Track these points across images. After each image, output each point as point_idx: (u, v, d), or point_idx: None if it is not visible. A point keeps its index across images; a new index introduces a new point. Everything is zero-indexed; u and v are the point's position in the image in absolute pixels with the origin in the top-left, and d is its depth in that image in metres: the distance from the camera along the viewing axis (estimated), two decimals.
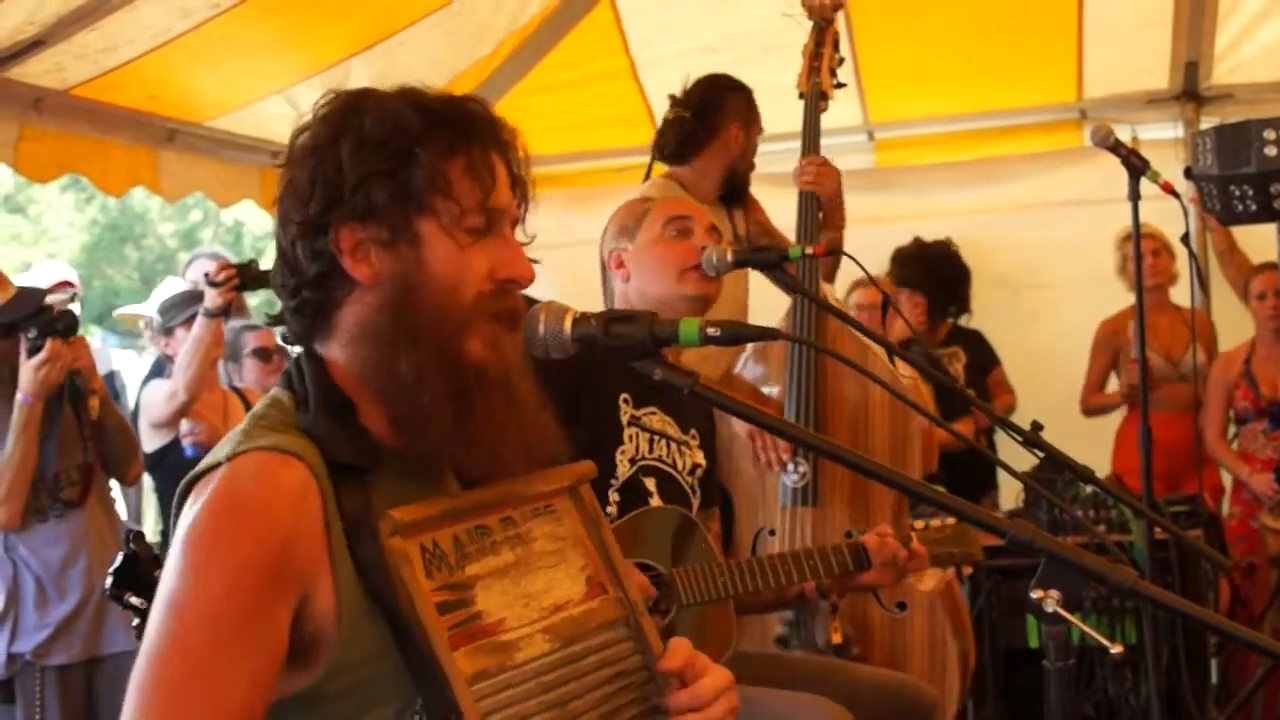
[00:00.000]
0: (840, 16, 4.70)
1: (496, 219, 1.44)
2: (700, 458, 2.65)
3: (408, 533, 1.36)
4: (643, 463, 2.54)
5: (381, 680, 1.35)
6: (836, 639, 2.95)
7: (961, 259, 5.48)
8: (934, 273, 5.37)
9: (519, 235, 1.51)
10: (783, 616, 3.16)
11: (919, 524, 2.69)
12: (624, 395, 2.55)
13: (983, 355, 5.34)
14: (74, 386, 3.43)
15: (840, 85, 3.64)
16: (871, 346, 3.26)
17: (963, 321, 5.49)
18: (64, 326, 3.32)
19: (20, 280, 3.54)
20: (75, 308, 3.49)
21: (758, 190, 3.91)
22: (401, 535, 1.35)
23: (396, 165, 1.38)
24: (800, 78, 3.58)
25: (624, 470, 2.52)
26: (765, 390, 3.50)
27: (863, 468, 1.44)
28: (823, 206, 3.46)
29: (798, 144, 3.56)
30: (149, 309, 4.54)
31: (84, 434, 3.50)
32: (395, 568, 1.33)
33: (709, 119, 3.71)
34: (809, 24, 3.62)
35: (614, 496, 2.49)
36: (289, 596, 1.32)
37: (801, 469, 3.31)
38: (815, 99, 3.55)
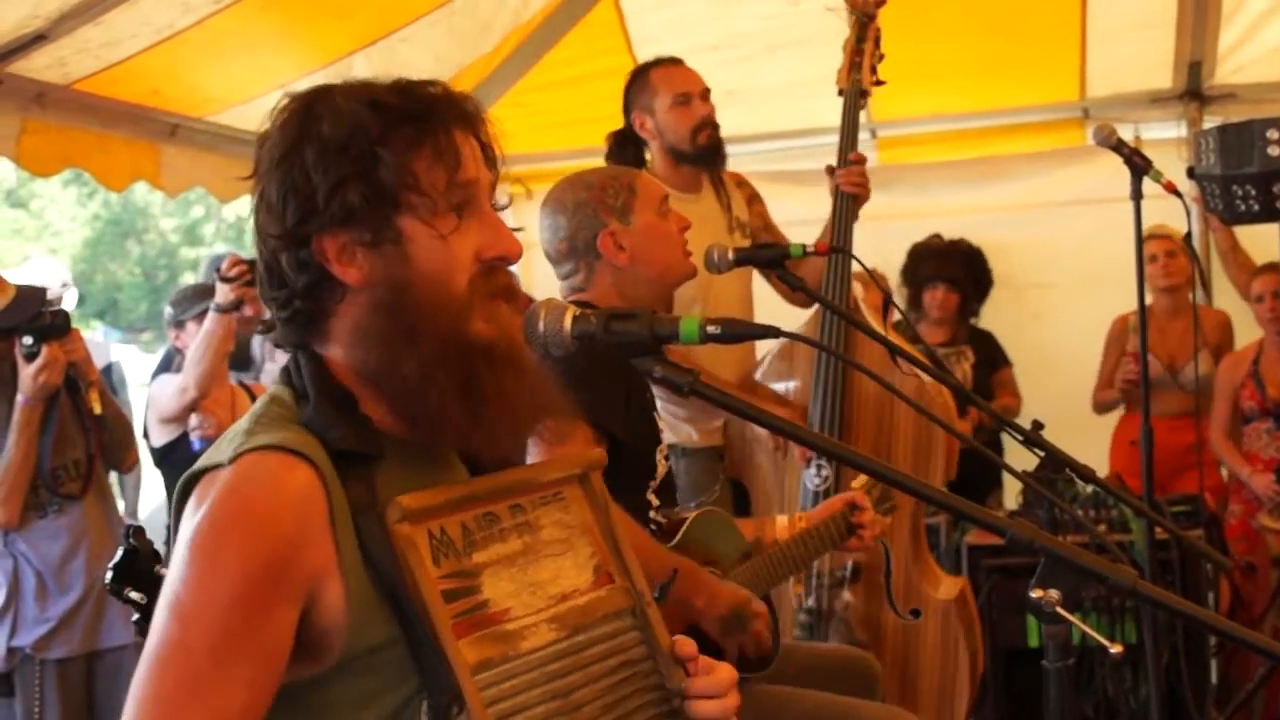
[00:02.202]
0: None
1: (470, 198, 1.43)
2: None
3: (416, 519, 1.36)
4: (664, 454, 2.55)
5: (388, 667, 1.36)
6: None
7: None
8: (971, 269, 5.35)
9: (510, 218, 1.51)
10: (798, 620, 3.19)
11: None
12: (649, 393, 2.52)
13: (992, 355, 5.32)
14: (70, 379, 3.43)
15: (880, 83, 3.52)
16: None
17: (972, 321, 5.47)
18: (57, 326, 3.32)
19: (10, 276, 3.53)
20: (69, 301, 3.48)
21: (758, 186, 3.88)
22: (410, 522, 1.35)
23: (363, 167, 1.38)
24: (840, 74, 3.47)
25: (662, 469, 2.51)
26: (786, 385, 3.48)
27: (871, 469, 1.44)
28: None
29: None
30: None
31: (84, 426, 3.50)
32: (402, 554, 1.33)
33: (621, 132, 3.72)
34: (848, 18, 3.50)
35: (653, 500, 2.46)
36: (294, 600, 1.32)
37: (824, 472, 3.27)
38: (855, 96, 3.44)
